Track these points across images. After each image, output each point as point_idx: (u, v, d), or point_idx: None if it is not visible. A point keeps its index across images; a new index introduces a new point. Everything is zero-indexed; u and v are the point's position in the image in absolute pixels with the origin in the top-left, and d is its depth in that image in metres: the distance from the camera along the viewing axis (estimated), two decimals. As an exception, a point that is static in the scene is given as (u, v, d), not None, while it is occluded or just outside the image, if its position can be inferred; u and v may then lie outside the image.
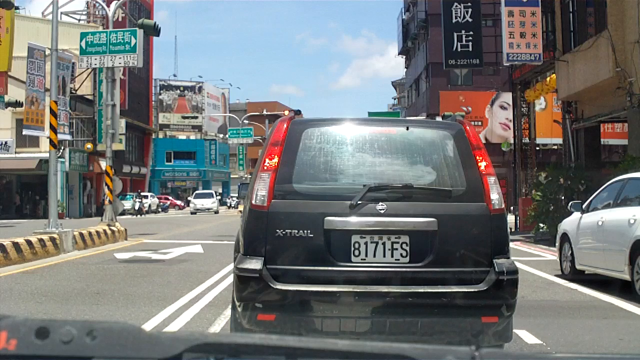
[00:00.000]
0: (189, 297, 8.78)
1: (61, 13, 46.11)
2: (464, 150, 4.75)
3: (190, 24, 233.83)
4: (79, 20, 53.19)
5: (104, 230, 18.35)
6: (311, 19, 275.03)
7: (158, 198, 59.24)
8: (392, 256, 4.51)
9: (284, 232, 4.47)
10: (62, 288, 9.79)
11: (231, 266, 5.89)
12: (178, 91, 78.40)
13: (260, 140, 56.11)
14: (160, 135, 75.03)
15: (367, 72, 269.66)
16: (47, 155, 18.94)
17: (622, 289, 9.11)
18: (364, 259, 4.50)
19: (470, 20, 23.74)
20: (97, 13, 52.53)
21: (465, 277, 4.49)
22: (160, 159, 71.81)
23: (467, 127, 4.90)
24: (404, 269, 4.50)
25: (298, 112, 33.43)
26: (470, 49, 23.80)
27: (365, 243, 4.51)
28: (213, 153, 76.29)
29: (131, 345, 1.15)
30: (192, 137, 78.53)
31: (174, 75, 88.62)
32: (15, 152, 39.41)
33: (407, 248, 4.52)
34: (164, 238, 20.92)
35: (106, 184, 20.46)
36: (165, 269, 12.18)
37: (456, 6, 23.84)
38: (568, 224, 11.47)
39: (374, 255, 4.50)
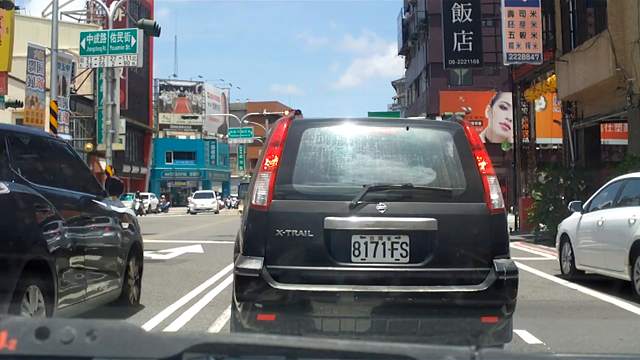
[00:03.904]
0: (189, 297, 8.78)
1: (61, 13, 46.11)
2: (464, 150, 4.75)
3: (190, 24, 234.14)
4: (79, 20, 53.19)
5: (104, 230, 18.31)
6: (311, 18, 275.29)
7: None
8: (392, 256, 4.51)
9: (284, 232, 4.47)
10: (62, 288, 9.77)
11: (231, 266, 5.89)
12: (178, 91, 78.38)
13: (260, 140, 56.11)
14: (160, 135, 75.04)
15: (368, 72, 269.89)
16: (47, 155, 18.89)
17: (622, 289, 9.11)
18: (364, 259, 4.50)
19: (470, 20, 23.74)
20: (97, 13, 52.54)
21: (465, 277, 4.49)
22: (160, 159, 71.83)
23: (467, 127, 4.90)
24: (404, 269, 4.50)
25: (298, 112, 33.40)
26: (470, 49, 23.81)
27: (365, 243, 4.51)
28: (213, 153, 76.34)
29: (131, 345, 1.15)
30: (192, 137, 78.55)
31: (174, 75, 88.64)
32: (15, 152, 39.35)
33: (407, 248, 4.52)
34: (164, 238, 20.91)
35: (106, 184, 20.43)
36: (165, 269, 12.17)
37: (456, 6, 23.84)
38: (568, 224, 11.47)
39: (374, 255, 4.50)
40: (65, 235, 5.78)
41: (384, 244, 4.52)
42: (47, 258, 5.34)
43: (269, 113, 67.63)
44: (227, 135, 69.07)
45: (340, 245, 4.49)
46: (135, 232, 8.10)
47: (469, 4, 23.84)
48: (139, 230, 8.32)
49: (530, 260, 14.05)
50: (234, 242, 5.28)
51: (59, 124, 20.47)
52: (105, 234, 7.06)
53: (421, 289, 4.44)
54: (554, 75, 21.23)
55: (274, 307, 4.41)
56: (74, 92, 40.94)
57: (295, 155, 4.65)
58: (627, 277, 9.04)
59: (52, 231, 5.57)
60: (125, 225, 7.67)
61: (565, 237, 11.40)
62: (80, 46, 20.08)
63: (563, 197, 18.83)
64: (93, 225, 6.70)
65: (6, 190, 5.05)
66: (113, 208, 7.43)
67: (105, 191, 7.29)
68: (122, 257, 7.38)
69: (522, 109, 25.75)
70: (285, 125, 4.76)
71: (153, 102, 70.99)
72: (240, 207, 20.01)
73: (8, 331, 1.15)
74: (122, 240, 7.43)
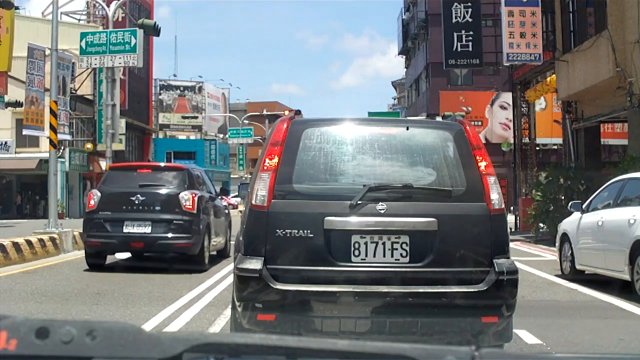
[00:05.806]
0: (189, 297, 8.78)
1: (61, 13, 46.06)
2: (464, 150, 4.75)
3: (190, 24, 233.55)
4: (79, 20, 53.14)
5: (104, 230, 18.40)
6: (312, 18, 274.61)
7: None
8: (392, 256, 4.51)
9: (284, 232, 4.47)
10: (62, 288, 9.78)
11: (231, 266, 5.89)
12: (178, 91, 78.28)
13: (260, 140, 56.09)
14: (160, 135, 74.96)
15: (369, 71, 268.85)
16: (47, 155, 18.91)
17: (622, 289, 9.11)
18: (364, 259, 4.50)
19: (470, 20, 23.74)
20: (97, 13, 52.48)
21: (465, 277, 4.49)
22: (160, 159, 71.53)
23: (467, 127, 4.89)
24: (404, 269, 4.50)
25: (298, 112, 33.36)
26: (470, 49, 23.80)
27: (365, 243, 4.51)
28: (213, 153, 76.22)
29: (131, 345, 1.15)
30: (192, 137, 78.46)
31: (174, 75, 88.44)
32: (15, 152, 39.35)
33: (407, 248, 4.51)
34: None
35: (106, 184, 20.47)
36: (165, 269, 12.16)
37: (456, 6, 23.84)
38: (568, 224, 11.47)
39: (374, 255, 4.50)
40: (212, 212, 12.56)
41: (384, 244, 4.51)
42: (210, 222, 12.15)
43: (269, 113, 67.64)
44: (227, 135, 69.08)
45: (340, 245, 4.49)
46: (229, 215, 15.02)
47: (469, 4, 23.83)
48: (230, 214, 15.22)
49: (530, 260, 14.05)
50: (234, 242, 5.28)
51: (59, 124, 20.45)
52: (221, 214, 13.65)
53: (421, 289, 4.43)
54: (554, 75, 21.23)
55: (274, 307, 4.41)
56: (74, 92, 40.91)
57: (295, 155, 4.65)
58: (627, 277, 9.04)
59: (209, 210, 12.35)
60: (226, 211, 14.66)
61: (565, 237, 11.40)
62: (80, 46, 20.09)
63: (563, 197, 18.82)
64: (217, 209, 13.18)
65: (199, 194, 11.79)
66: (222, 202, 14.54)
67: (218, 193, 14.08)
68: (225, 227, 14.15)
69: (522, 109, 25.76)
70: (285, 125, 4.76)
71: (153, 102, 70.87)
72: (241, 207, 20.09)
73: (8, 331, 1.15)
74: (225, 218, 14.27)
